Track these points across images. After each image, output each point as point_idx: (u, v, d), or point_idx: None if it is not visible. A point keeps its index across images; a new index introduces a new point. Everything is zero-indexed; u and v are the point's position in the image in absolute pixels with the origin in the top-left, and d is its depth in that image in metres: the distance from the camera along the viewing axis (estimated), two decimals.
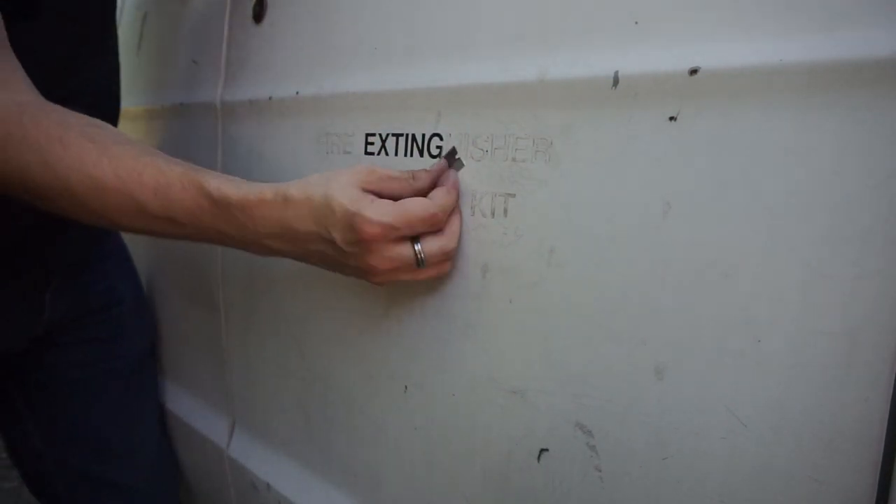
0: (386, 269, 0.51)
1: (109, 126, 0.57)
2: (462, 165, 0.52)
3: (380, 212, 0.48)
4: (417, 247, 0.50)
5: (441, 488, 0.58)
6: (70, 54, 0.70)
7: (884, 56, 0.32)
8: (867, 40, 0.33)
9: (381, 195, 0.50)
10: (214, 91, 0.82)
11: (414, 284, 0.57)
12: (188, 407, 1.00)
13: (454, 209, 0.52)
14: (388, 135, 0.58)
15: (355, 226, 0.48)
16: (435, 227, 0.51)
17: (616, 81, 0.42)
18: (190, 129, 0.89)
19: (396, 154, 0.57)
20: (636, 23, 0.41)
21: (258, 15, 0.75)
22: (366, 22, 0.61)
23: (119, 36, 1.06)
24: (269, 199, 0.51)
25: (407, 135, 0.56)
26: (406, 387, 0.59)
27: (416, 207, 0.49)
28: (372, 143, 0.59)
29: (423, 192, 0.52)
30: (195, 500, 1.05)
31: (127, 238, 1.04)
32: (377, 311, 0.61)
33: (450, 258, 0.52)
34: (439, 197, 0.51)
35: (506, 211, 0.49)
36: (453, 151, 0.52)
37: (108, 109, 0.80)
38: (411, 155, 0.56)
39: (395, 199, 0.50)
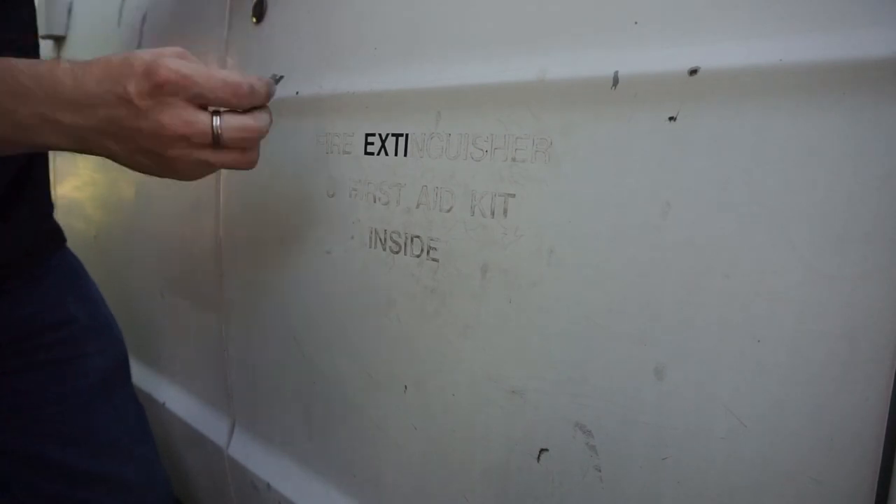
0: (178, 132, 0.48)
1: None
2: (281, 78, 0.54)
3: (181, 62, 0.47)
4: (216, 119, 0.49)
5: (441, 488, 0.58)
6: None
7: (884, 56, 0.32)
8: (867, 40, 0.33)
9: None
10: None
11: (415, 285, 0.57)
12: (188, 407, 1.00)
13: (264, 106, 0.51)
14: (388, 135, 0.58)
15: (152, 72, 0.46)
16: (238, 99, 0.49)
17: (616, 81, 0.42)
18: None
19: (396, 154, 0.57)
20: (636, 23, 0.41)
21: (258, 15, 0.75)
22: (366, 22, 0.61)
23: (119, 36, 1.06)
24: (66, 66, 0.49)
25: (407, 135, 0.56)
26: (406, 387, 0.59)
27: (220, 71, 0.49)
28: (372, 143, 0.59)
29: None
30: (195, 500, 1.05)
31: (126, 238, 1.04)
32: (377, 311, 0.61)
33: (251, 144, 0.51)
34: (252, 78, 0.50)
35: (506, 211, 0.49)
36: (279, 78, 0.54)
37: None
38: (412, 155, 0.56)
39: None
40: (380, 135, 0.58)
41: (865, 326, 0.33)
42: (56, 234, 0.86)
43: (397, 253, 0.58)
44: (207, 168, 0.52)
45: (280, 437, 0.80)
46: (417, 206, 0.56)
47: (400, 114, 0.57)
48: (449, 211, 0.53)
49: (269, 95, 0.52)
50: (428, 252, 0.55)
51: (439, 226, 0.54)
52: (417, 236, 0.56)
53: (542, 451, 0.49)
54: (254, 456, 0.84)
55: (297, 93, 0.68)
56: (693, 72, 0.38)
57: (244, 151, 0.51)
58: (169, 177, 0.53)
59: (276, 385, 0.79)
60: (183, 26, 0.93)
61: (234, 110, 0.51)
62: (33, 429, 0.82)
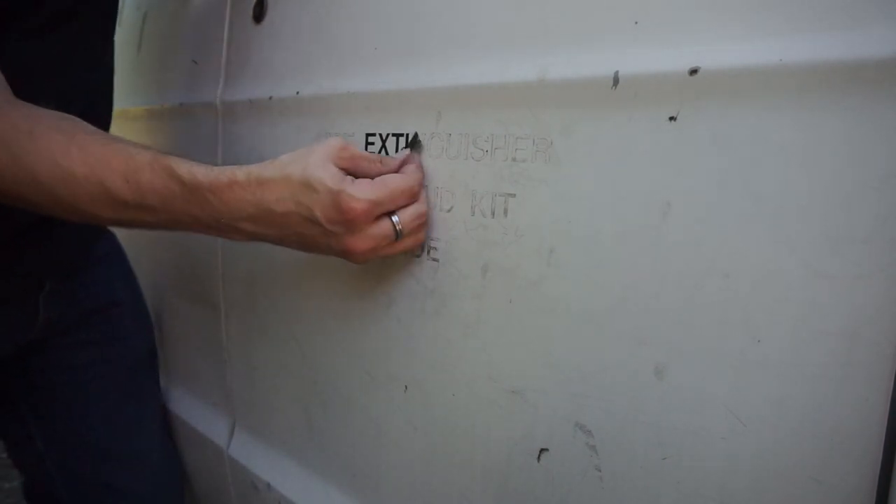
0: (367, 248, 0.52)
1: (80, 120, 0.55)
2: (422, 148, 0.55)
3: (363, 189, 0.49)
4: (395, 219, 0.52)
5: (441, 488, 0.58)
6: (68, 56, 0.69)
7: (884, 56, 0.32)
8: (867, 40, 0.33)
9: (350, 173, 0.52)
10: (214, 91, 0.82)
11: (415, 285, 0.57)
12: (188, 407, 1.00)
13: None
14: (388, 135, 0.58)
15: (341, 204, 0.49)
16: (413, 199, 0.53)
17: (616, 81, 0.42)
18: (190, 129, 0.89)
19: (397, 153, 0.57)
20: (636, 23, 0.41)
21: (258, 15, 0.75)
22: (366, 22, 0.61)
23: (119, 36, 1.06)
24: (242, 180, 0.51)
25: (407, 135, 0.56)
26: (406, 387, 0.59)
27: (396, 181, 0.51)
28: (372, 143, 0.59)
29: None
30: (195, 500, 1.05)
31: (126, 239, 1.04)
32: (377, 312, 0.61)
33: (424, 224, 0.54)
34: (412, 171, 0.53)
35: (506, 211, 0.49)
36: (416, 137, 0.55)
37: (101, 113, 0.78)
38: None
39: (365, 178, 0.52)
40: (380, 135, 0.58)
41: (865, 326, 0.33)
42: None
43: None
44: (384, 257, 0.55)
45: (280, 437, 0.80)
46: None
47: (400, 114, 0.57)
48: (449, 211, 0.53)
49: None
50: (428, 252, 0.55)
51: (439, 226, 0.54)
52: None
53: (542, 451, 0.49)
54: (254, 456, 0.84)
55: (297, 93, 0.68)
56: (693, 72, 0.38)
57: (418, 232, 0.54)
58: None
59: (276, 385, 0.79)
60: (183, 26, 0.93)
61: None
62: (78, 404, 0.88)
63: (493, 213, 0.50)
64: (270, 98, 0.71)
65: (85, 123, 0.55)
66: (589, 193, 0.44)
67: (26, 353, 0.83)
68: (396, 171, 0.54)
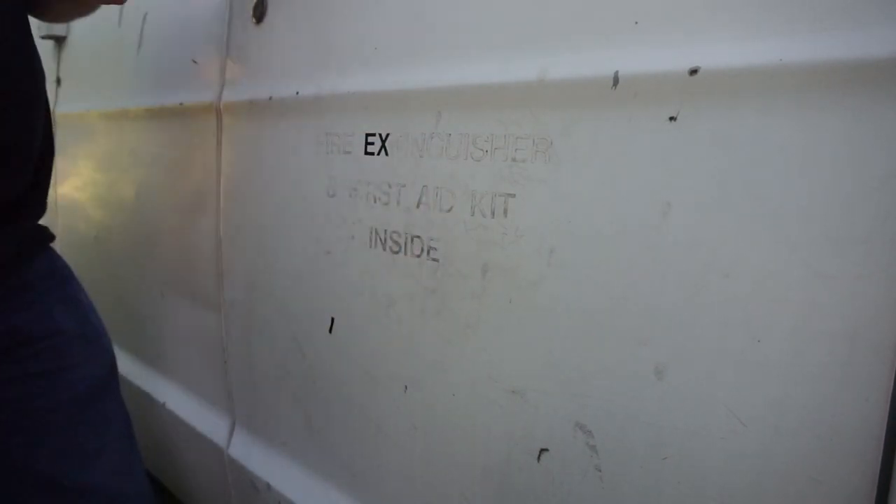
0: None
1: None
2: None
3: None
4: None
5: (441, 488, 0.58)
6: None
7: (884, 56, 0.32)
8: (867, 40, 0.33)
9: None
10: (214, 91, 0.82)
11: (415, 285, 0.57)
12: (188, 407, 1.00)
13: None
14: (387, 135, 0.58)
15: None
16: None
17: (616, 81, 0.42)
18: (190, 129, 0.89)
19: (397, 154, 0.57)
20: (636, 23, 0.41)
21: (258, 15, 0.75)
22: (366, 22, 0.61)
23: (119, 36, 1.06)
24: None
25: (407, 135, 0.56)
26: (406, 387, 0.59)
27: None
28: (372, 143, 0.59)
29: None
30: (195, 500, 1.05)
31: (126, 238, 1.04)
32: (377, 312, 0.61)
33: None
34: None
35: (506, 211, 0.49)
36: None
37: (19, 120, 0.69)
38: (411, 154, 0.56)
39: None
40: (380, 135, 0.58)
41: (865, 326, 0.33)
42: (41, 237, 0.84)
43: (397, 253, 0.58)
44: None
45: (280, 437, 0.80)
46: (418, 206, 0.56)
47: (400, 114, 0.57)
48: (449, 211, 0.53)
49: None
50: (428, 252, 0.55)
51: (439, 226, 0.54)
52: (418, 236, 0.56)
53: (542, 450, 0.49)
54: (254, 456, 0.84)
55: (297, 93, 0.68)
56: (693, 72, 0.38)
57: None
58: None
59: (276, 385, 0.79)
60: (183, 26, 0.93)
61: None
62: (23, 440, 0.81)
63: (493, 213, 0.50)
64: (270, 98, 0.71)
65: None
66: (589, 193, 0.44)
67: None
68: None
